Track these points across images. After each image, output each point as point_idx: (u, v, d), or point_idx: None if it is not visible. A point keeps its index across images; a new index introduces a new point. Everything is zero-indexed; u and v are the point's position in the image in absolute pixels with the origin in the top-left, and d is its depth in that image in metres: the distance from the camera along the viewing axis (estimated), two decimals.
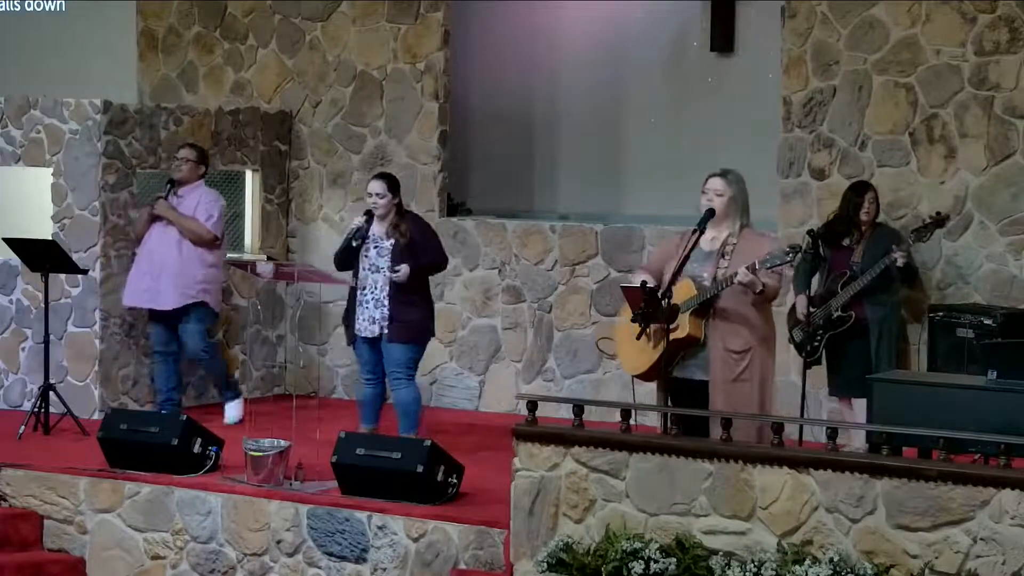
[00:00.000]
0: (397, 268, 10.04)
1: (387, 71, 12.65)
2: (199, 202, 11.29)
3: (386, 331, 10.11)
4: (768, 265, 8.26)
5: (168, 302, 11.21)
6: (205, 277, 11.24)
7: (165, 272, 11.14)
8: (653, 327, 8.39)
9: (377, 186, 10.20)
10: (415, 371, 10.33)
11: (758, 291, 8.33)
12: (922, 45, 10.83)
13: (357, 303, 10.20)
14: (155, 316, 11.38)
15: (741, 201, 8.55)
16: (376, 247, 10.19)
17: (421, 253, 10.15)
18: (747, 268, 8.27)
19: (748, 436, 8.23)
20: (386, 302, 10.11)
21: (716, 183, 8.56)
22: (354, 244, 10.18)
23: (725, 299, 8.40)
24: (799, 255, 8.40)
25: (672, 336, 8.34)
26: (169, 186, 11.32)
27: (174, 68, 13.43)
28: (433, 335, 10.50)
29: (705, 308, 8.42)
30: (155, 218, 11.26)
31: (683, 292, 8.41)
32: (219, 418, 11.37)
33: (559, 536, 8.08)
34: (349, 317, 10.30)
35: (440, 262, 10.36)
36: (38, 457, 10.26)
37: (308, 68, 12.91)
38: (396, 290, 10.09)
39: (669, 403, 8.48)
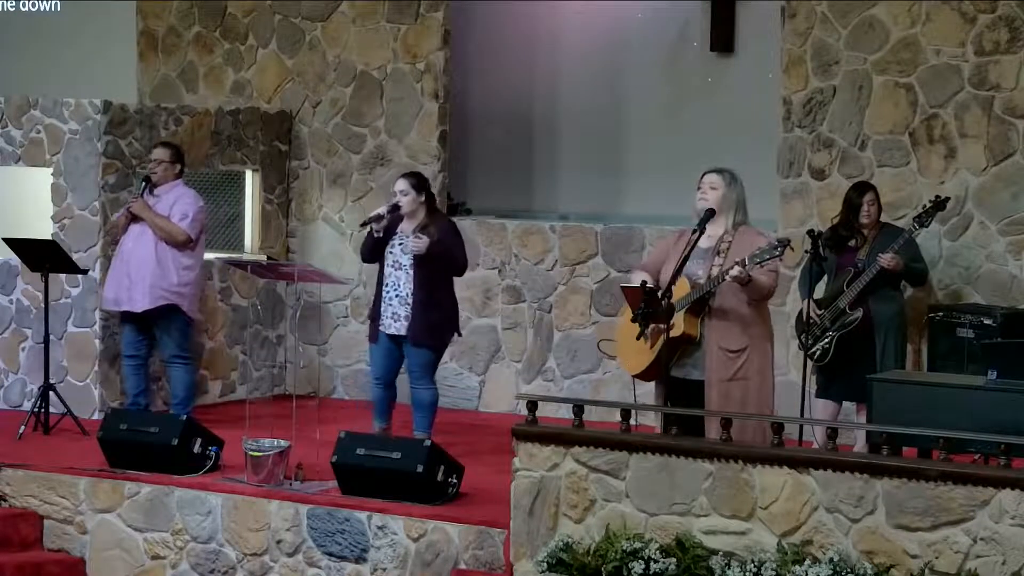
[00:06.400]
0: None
1: (387, 71, 12.65)
2: (175, 202, 11.05)
3: (407, 332, 10.13)
4: (757, 260, 8.23)
5: (140, 303, 10.96)
6: (180, 280, 10.98)
7: (140, 274, 10.92)
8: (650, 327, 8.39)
9: (401, 183, 10.22)
10: (434, 373, 10.35)
11: (746, 283, 8.29)
12: (922, 45, 10.83)
13: (383, 300, 10.21)
14: (127, 318, 11.15)
15: (735, 198, 8.53)
16: (401, 244, 10.20)
17: (443, 253, 10.13)
18: (738, 263, 8.25)
19: (753, 435, 8.22)
20: (410, 300, 10.12)
21: (711, 178, 8.56)
22: (375, 233, 10.16)
23: (721, 298, 8.38)
24: (787, 248, 8.32)
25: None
26: (144, 184, 11.12)
27: (174, 68, 13.43)
28: (459, 335, 10.48)
29: (700, 306, 8.41)
30: (133, 219, 11.05)
31: (681, 291, 8.40)
32: (221, 418, 11.36)
33: (559, 536, 8.08)
34: (376, 312, 10.28)
35: (461, 262, 10.31)
36: (38, 457, 10.26)
37: (308, 68, 12.91)
38: (420, 290, 10.09)
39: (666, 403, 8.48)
